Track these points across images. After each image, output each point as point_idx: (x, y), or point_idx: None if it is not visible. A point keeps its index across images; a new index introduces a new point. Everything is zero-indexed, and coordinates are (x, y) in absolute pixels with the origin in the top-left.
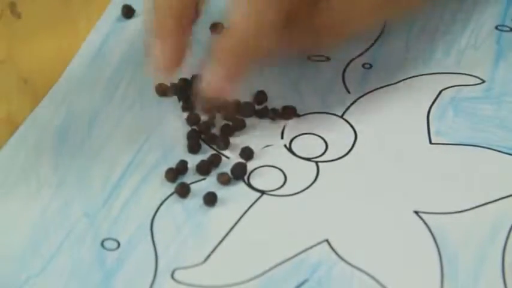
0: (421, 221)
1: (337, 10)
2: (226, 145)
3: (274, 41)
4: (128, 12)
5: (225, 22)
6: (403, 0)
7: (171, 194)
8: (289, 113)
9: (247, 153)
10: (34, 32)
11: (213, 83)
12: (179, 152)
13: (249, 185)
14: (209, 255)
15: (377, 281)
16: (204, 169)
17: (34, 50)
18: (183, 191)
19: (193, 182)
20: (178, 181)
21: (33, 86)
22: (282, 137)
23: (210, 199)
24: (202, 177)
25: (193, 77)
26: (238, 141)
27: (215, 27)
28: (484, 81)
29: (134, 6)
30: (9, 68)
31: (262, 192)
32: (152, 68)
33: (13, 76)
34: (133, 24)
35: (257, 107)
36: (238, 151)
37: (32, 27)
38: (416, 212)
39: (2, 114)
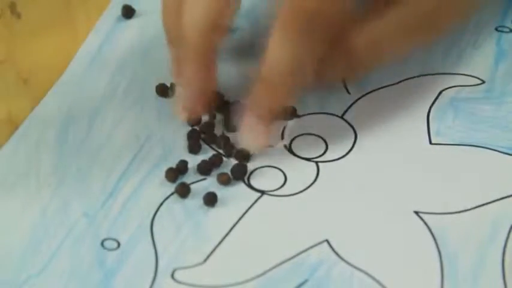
0: (421, 221)
1: (374, 34)
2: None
3: (311, 75)
4: (128, 12)
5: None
6: (440, 23)
7: (171, 194)
8: (289, 113)
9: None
10: (34, 32)
11: (253, 138)
12: (179, 151)
13: (249, 185)
14: (209, 255)
15: (377, 281)
16: (205, 169)
17: (34, 50)
18: (183, 191)
19: (193, 182)
20: (179, 181)
21: (33, 86)
22: (282, 138)
23: (210, 199)
24: (202, 177)
25: None
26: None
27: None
28: (484, 82)
29: (134, 6)
30: (9, 68)
31: (262, 193)
32: (178, 110)
33: (13, 76)
34: (134, 25)
35: None
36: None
37: (32, 27)
38: (416, 212)
39: (2, 114)
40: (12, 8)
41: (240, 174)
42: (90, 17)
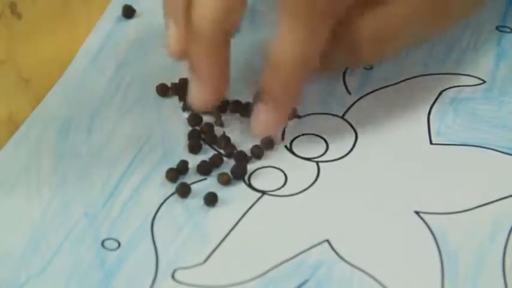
0: (422, 221)
1: (378, 24)
2: (230, 154)
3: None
4: (128, 12)
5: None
6: (448, 15)
7: (172, 194)
8: (292, 112)
9: (242, 156)
10: (34, 32)
11: (266, 126)
12: (180, 152)
13: (250, 185)
14: (210, 256)
15: (377, 281)
16: (205, 169)
17: (34, 50)
18: (184, 191)
19: (194, 182)
20: (179, 181)
21: (34, 86)
22: (282, 138)
23: (211, 199)
24: (203, 177)
25: None
26: (239, 142)
27: None
28: (484, 82)
29: (134, 6)
30: (9, 68)
31: (263, 193)
32: (192, 101)
33: (13, 76)
34: (134, 25)
35: None
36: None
37: (32, 27)
38: (417, 212)
39: (3, 114)
40: (13, 8)
41: (240, 175)
42: (91, 17)
